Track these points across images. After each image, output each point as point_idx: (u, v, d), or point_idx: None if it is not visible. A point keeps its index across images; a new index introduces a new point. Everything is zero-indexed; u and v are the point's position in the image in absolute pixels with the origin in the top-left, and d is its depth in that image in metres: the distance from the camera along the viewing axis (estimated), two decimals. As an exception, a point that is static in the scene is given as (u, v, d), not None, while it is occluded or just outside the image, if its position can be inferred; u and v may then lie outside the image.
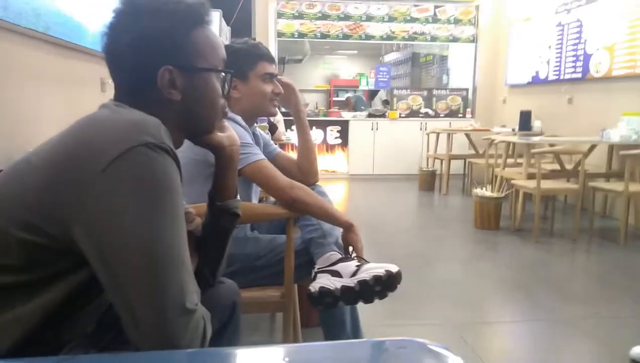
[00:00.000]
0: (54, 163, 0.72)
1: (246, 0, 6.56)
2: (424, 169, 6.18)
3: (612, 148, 4.54)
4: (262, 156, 1.54)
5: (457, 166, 6.32)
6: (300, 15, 7.05)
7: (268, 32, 6.99)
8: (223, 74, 0.93)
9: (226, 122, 0.99)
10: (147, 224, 0.69)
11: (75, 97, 2.76)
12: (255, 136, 1.69)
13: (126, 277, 0.69)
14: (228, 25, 5.96)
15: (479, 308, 2.63)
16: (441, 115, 7.37)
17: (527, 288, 2.88)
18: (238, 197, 1.04)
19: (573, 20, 5.37)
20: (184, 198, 1.08)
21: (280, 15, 7.03)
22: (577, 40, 5.31)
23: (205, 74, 0.88)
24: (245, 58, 1.62)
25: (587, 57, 5.12)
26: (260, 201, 1.90)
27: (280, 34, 7.08)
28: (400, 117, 7.20)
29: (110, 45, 0.84)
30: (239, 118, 1.58)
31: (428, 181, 6.07)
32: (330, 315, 1.65)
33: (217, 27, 5.19)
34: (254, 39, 1.74)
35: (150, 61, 0.83)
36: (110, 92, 0.89)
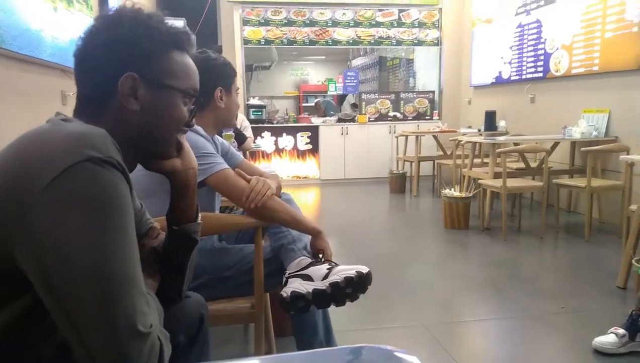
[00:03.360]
0: None
1: (211, 8, 6.51)
2: (394, 171, 6.24)
3: (574, 144, 4.68)
4: (226, 166, 1.52)
5: (426, 168, 6.41)
6: (266, 22, 7.04)
7: (234, 39, 6.96)
8: (190, 104, 0.92)
9: (185, 139, 0.97)
10: (94, 245, 0.66)
11: (35, 111, 2.68)
12: (216, 146, 1.68)
13: (73, 302, 0.65)
14: (193, 33, 5.89)
15: (451, 307, 2.66)
16: (409, 118, 7.47)
17: (497, 285, 2.93)
18: (199, 219, 1.02)
19: (532, 21, 5.53)
20: (148, 213, 1.06)
21: (245, 22, 7.01)
22: (537, 41, 5.46)
23: (172, 94, 0.87)
24: (230, 71, 1.71)
25: (547, 56, 5.27)
26: (226, 210, 1.88)
27: (246, 41, 7.05)
28: (369, 121, 7.26)
29: (82, 47, 0.83)
30: (199, 128, 1.56)
31: (398, 184, 6.14)
32: (302, 322, 1.64)
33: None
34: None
35: (117, 65, 0.81)
36: (71, 105, 0.87)
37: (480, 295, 2.85)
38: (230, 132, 3.33)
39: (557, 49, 5.10)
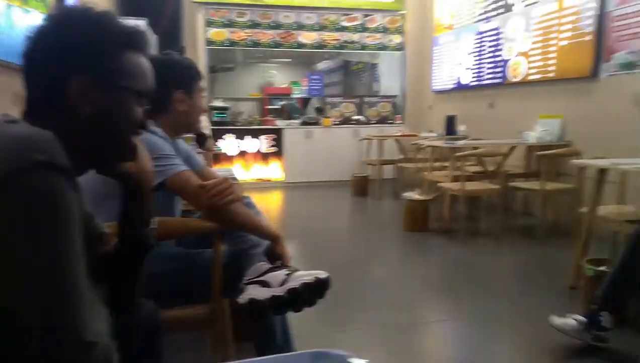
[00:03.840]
0: None
1: (174, 8, 6.41)
2: (357, 175, 6.30)
3: (530, 149, 4.84)
4: (185, 167, 1.50)
5: (389, 171, 6.50)
6: (230, 24, 6.98)
7: (197, 40, 6.87)
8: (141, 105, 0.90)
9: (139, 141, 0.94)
10: (37, 254, 0.64)
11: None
12: (177, 149, 1.65)
13: (15, 313, 0.63)
14: (155, 33, 5.78)
15: (409, 309, 2.70)
16: (373, 122, 7.55)
17: (454, 287, 3.00)
18: (153, 225, 1.00)
19: (492, 28, 5.69)
20: (100, 218, 1.03)
21: (209, 23, 6.93)
22: (495, 47, 5.63)
23: (125, 95, 0.85)
24: (193, 73, 1.65)
25: (505, 63, 5.44)
26: (185, 214, 1.85)
27: (210, 42, 6.97)
28: (333, 124, 7.31)
29: (31, 47, 0.79)
30: (157, 130, 1.53)
31: (362, 187, 6.20)
32: (260, 328, 1.63)
33: (143, 36, 5.02)
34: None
35: (68, 67, 0.79)
36: (23, 104, 0.84)
37: (438, 296, 2.91)
38: (190, 135, 3.29)
39: (515, 55, 5.27)
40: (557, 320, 2.16)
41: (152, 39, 5.65)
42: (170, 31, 6.33)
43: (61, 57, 0.79)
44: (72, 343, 0.65)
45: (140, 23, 5.05)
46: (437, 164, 5.07)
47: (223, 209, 1.47)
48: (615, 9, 4.02)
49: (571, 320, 2.13)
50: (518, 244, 4.06)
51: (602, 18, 4.13)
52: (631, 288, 2.10)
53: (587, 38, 4.27)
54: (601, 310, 2.08)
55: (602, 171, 2.75)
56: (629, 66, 3.89)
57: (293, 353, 0.70)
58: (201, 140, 4.62)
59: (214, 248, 1.46)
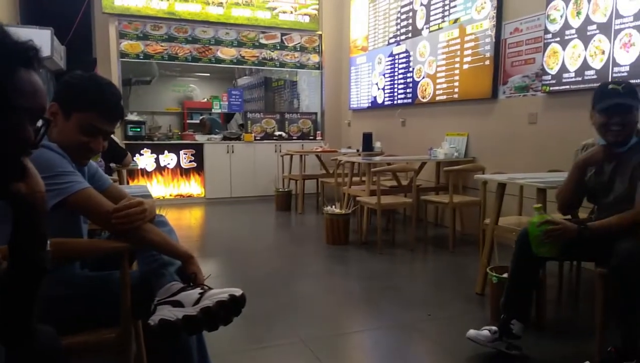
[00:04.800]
0: None
1: (84, 19, 6.12)
2: (280, 189, 6.33)
3: (439, 164, 5.14)
4: (87, 184, 1.43)
5: (311, 186, 6.60)
6: (145, 36, 6.78)
7: (110, 52, 6.60)
8: (40, 122, 0.86)
9: (29, 160, 0.90)
10: None
11: None
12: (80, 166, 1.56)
13: None
14: (63, 44, 5.48)
15: (329, 321, 2.75)
16: (294, 137, 7.64)
17: (372, 297, 3.10)
18: (47, 247, 0.95)
19: (402, 51, 6.01)
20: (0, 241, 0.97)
21: (123, 35, 6.69)
22: (406, 69, 5.94)
23: (18, 115, 0.81)
24: (84, 97, 1.47)
25: (415, 84, 5.76)
26: (92, 233, 1.77)
27: (123, 55, 6.72)
28: (255, 140, 7.30)
29: None
30: (53, 145, 1.43)
31: (284, 201, 6.23)
32: (175, 348, 1.59)
33: (49, 47, 4.75)
34: (110, 83, 1.55)
35: None
36: None
37: (357, 307, 2.99)
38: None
39: (424, 77, 5.60)
40: (472, 332, 2.26)
41: (60, 50, 5.35)
42: (80, 42, 6.03)
43: None
44: None
45: (44, 33, 4.77)
46: (355, 179, 5.23)
47: (133, 231, 1.42)
48: (509, 36, 4.42)
49: (485, 332, 2.24)
50: (430, 254, 4.28)
51: (498, 45, 4.52)
52: (527, 293, 2.26)
53: (487, 63, 4.64)
54: (510, 318, 2.20)
55: (501, 185, 2.99)
56: (523, 88, 4.28)
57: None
58: (118, 156, 4.44)
59: (122, 268, 1.41)
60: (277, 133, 7.55)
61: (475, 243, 4.30)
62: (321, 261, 4.01)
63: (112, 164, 4.31)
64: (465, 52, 4.94)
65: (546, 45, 3.99)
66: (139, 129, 6.80)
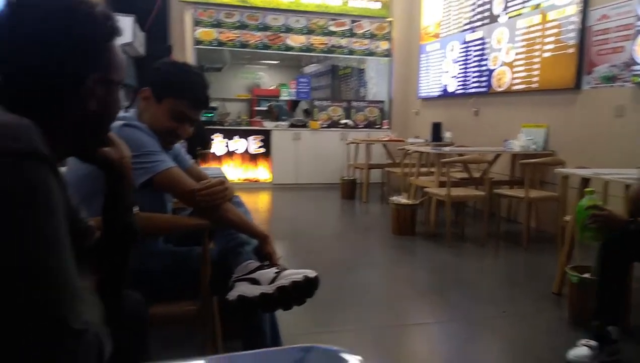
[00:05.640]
0: None
1: (161, 6, 6.36)
2: (345, 178, 6.32)
3: (514, 156, 4.91)
4: (173, 164, 1.48)
5: (376, 175, 6.52)
6: (218, 24, 6.96)
7: (185, 39, 6.83)
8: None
9: (120, 133, 0.95)
10: (21, 244, 0.62)
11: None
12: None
13: (3, 305, 0.61)
14: (142, 30, 5.74)
15: (396, 311, 2.71)
16: (360, 126, 7.58)
17: (441, 290, 3.02)
18: (136, 209, 0.99)
19: (477, 38, 5.77)
20: (89, 214, 1.02)
21: (197, 22, 6.90)
22: (480, 57, 5.70)
23: (117, 89, 0.85)
24: (175, 85, 1.54)
25: (490, 72, 5.51)
26: (175, 211, 1.83)
27: (198, 42, 6.94)
28: (321, 127, 7.31)
29: (11, 40, 0.74)
30: (143, 126, 1.50)
31: (349, 190, 6.22)
32: (249, 325, 1.62)
33: (131, 33, 4.99)
34: (199, 72, 1.60)
35: (86, 64, 0.77)
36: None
37: (425, 299, 2.92)
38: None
39: (500, 65, 5.34)
40: (571, 354, 2.07)
41: (140, 37, 5.60)
42: (158, 30, 6.28)
43: (80, 54, 0.77)
44: (60, 332, 0.63)
45: (126, 20, 5.00)
46: (423, 169, 5.11)
47: (214, 209, 1.46)
48: (595, 23, 4.11)
49: (583, 349, 2.05)
50: (503, 250, 4.11)
51: (584, 32, 4.22)
52: (618, 295, 2.09)
53: (570, 51, 4.35)
54: (606, 323, 2.03)
55: (585, 181, 2.80)
56: (610, 79, 3.97)
57: (283, 347, 0.69)
58: (205, 141, 4.64)
59: (203, 245, 1.45)
60: (343, 121, 7.52)
61: (551, 241, 4.08)
62: (387, 251, 3.96)
63: (198, 148, 4.49)
64: (547, 40, 4.65)
65: (637, 33, 3.67)
66: (211, 115, 7.02)
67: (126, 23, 4.83)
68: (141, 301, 1.12)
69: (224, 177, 1.84)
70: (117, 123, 1.47)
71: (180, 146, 1.80)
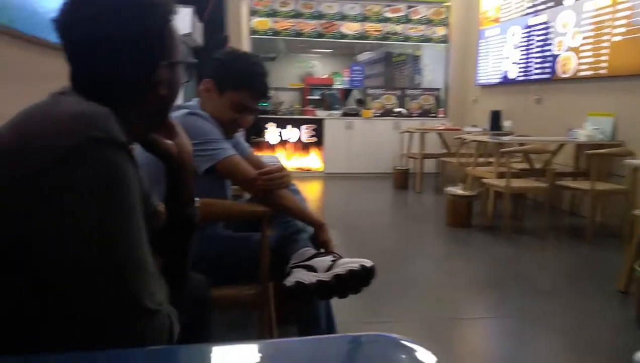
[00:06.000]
0: None
1: (219, -3, 6.48)
2: (398, 167, 6.25)
3: (579, 147, 4.67)
4: (234, 151, 1.53)
5: (430, 165, 6.41)
6: (273, 13, 7.02)
7: (241, 29, 6.94)
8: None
9: (184, 121, 0.96)
10: (103, 226, 0.65)
11: (41, 95, 2.67)
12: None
13: (81, 280, 0.65)
14: (201, 21, 5.87)
15: (451, 304, 2.66)
16: (414, 114, 7.45)
17: (498, 284, 2.94)
18: (197, 202, 1.01)
19: (541, 22, 5.50)
20: (155, 196, 1.06)
21: (253, 12, 6.99)
22: (544, 42, 5.44)
23: (180, 71, 0.86)
24: (236, 77, 1.56)
25: (554, 58, 5.25)
26: (234, 198, 1.88)
27: (253, 32, 7.03)
28: (374, 116, 7.25)
29: (85, 33, 0.76)
30: (206, 115, 1.54)
31: (402, 180, 6.14)
32: (305, 312, 1.65)
33: (190, 24, 5.11)
34: (259, 63, 1.62)
35: (156, 53, 0.80)
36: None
37: (481, 293, 2.85)
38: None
39: (565, 51, 5.07)
40: (638, 356, 1.91)
41: (198, 27, 5.73)
42: (215, 20, 6.41)
43: (151, 43, 0.79)
44: (136, 310, 0.67)
45: (186, 10, 5.13)
46: (481, 159, 4.96)
47: (273, 195, 1.48)
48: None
49: None
50: (565, 244, 3.94)
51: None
52: None
53: (645, 33, 4.06)
54: None
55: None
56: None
57: (347, 334, 0.70)
58: (260, 129, 4.73)
59: (262, 231, 1.48)
60: (396, 110, 7.41)
61: (616, 235, 3.86)
62: (441, 243, 3.89)
63: (253, 137, 4.58)
64: (617, 23, 4.36)
65: None
66: (266, 104, 7.12)
67: (186, 14, 4.96)
68: (204, 283, 1.16)
69: (280, 165, 1.86)
70: (181, 112, 1.52)
71: (240, 135, 1.84)
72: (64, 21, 0.77)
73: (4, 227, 0.64)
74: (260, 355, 0.63)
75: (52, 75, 3.06)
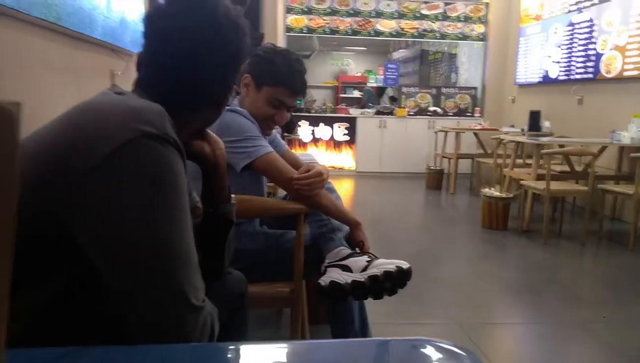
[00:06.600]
0: (48, 153, 0.68)
1: (256, -5, 6.53)
2: (432, 167, 6.16)
3: (622, 149, 4.49)
4: (271, 149, 1.53)
5: (465, 166, 6.29)
6: (309, 11, 7.02)
7: (277, 27, 6.97)
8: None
9: (223, 118, 1.01)
10: (151, 219, 0.67)
11: (84, 89, 2.75)
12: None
13: (129, 273, 0.66)
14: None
15: (486, 308, 2.61)
16: (449, 113, 7.33)
17: (534, 290, 2.86)
18: (232, 201, 1.02)
19: (584, 20, 5.31)
20: (195, 192, 1.07)
21: (289, 10, 7.01)
22: (588, 40, 5.25)
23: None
24: (274, 73, 1.55)
25: (598, 57, 5.06)
26: (270, 194, 1.89)
27: (289, 29, 7.06)
28: (408, 115, 7.17)
29: (188, 45, 0.81)
30: (244, 112, 1.55)
31: (435, 180, 6.05)
32: (338, 311, 1.63)
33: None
34: (298, 59, 1.61)
35: (229, 76, 0.87)
36: (119, 84, 0.88)
37: (517, 298, 2.78)
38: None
39: (610, 49, 4.89)
40: None
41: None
42: (251, 18, 6.46)
43: (237, 65, 0.87)
44: (181, 305, 0.68)
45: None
46: (518, 161, 4.84)
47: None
48: None
49: None
50: (605, 250, 3.80)
51: None
52: None
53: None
54: None
55: None
56: None
57: (385, 338, 0.68)
58: (292, 126, 4.75)
59: (297, 229, 1.48)
60: (431, 109, 7.31)
61: (662, 243, 3.71)
62: (476, 245, 3.81)
63: (285, 134, 4.61)
64: (669, 20, 4.17)
65: None
66: (299, 102, 7.14)
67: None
68: (242, 279, 1.16)
69: (321, 165, 1.86)
70: None
71: (276, 132, 1.84)
72: (166, 29, 0.81)
73: (60, 215, 0.66)
74: (305, 357, 0.63)
75: (93, 70, 3.15)
